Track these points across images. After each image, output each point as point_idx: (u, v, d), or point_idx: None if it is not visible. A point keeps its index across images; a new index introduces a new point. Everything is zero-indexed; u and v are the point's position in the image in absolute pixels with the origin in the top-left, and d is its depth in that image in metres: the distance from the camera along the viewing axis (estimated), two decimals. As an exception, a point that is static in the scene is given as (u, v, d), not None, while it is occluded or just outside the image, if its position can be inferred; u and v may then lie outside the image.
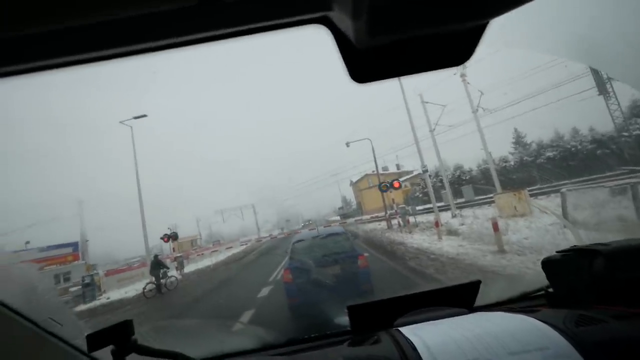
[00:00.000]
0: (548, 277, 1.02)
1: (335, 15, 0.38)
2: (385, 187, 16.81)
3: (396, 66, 0.46)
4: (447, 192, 18.06)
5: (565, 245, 1.07)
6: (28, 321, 0.71)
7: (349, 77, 0.46)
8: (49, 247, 22.76)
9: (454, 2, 0.37)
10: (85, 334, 0.74)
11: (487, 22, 0.42)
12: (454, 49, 0.45)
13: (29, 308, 0.73)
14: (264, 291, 7.25)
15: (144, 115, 18.37)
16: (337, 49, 0.43)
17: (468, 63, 0.48)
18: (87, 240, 24.48)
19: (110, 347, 0.74)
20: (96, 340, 0.72)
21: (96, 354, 0.79)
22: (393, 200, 18.75)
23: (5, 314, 0.67)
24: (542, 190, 17.68)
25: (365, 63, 0.45)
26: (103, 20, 0.30)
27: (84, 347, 0.75)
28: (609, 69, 1.05)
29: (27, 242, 22.61)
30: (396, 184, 16.97)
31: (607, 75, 18.45)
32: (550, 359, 0.64)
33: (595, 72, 19.10)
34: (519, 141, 30.00)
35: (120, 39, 0.34)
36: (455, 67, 0.52)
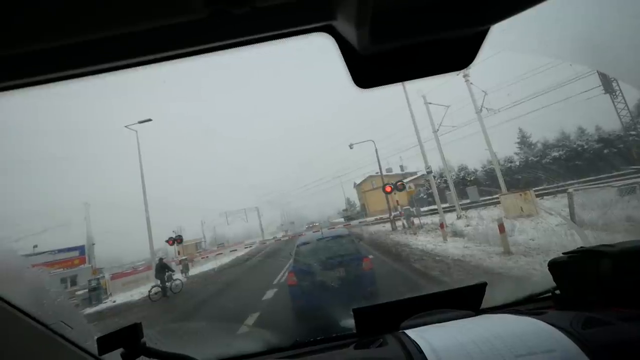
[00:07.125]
0: (555, 279, 1.01)
1: (339, 24, 0.39)
2: (389, 188, 16.74)
3: (399, 72, 0.47)
4: (452, 193, 17.93)
5: (572, 246, 1.06)
6: (40, 324, 0.72)
7: (353, 83, 0.46)
8: (56, 251, 22.95)
9: (455, 9, 0.38)
10: (96, 337, 0.75)
11: (488, 28, 0.42)
12: (456, 54, 0.46)
13: (41, 311, 0.75)
14: (269, 294, 7.25)
15: (149, 120, 18.55)
16: (341, 56, 0.44)
17: (471, 65, 0.48)
18: (93, 244, 24.56)
19: (120, 349, 0.75)
20: (106, 343, 0.74)
21: (106, 356, 0.80)
22: (397, 201, 18.60)
23: (17, 316, 0.69)
24: (549, 191, 17.49)
25: (369, 69, 0.45)
26: (120, 34, 0.32)
27: (95, 350, 0.77)
28: (612, 70, 1.05)
29: (35, 246, 22.83)
30: (400, 186, 16.90)
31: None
32: None
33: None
34: (524, 141, 29.75)
35: (134, 50, 0.35)
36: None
